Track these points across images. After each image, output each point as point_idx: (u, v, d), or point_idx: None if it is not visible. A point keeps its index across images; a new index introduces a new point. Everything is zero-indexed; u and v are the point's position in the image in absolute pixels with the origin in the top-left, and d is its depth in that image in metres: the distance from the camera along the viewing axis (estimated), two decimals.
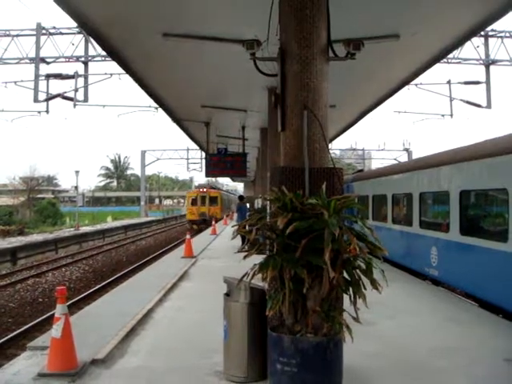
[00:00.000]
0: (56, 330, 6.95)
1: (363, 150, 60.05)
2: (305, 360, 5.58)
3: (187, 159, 57.96)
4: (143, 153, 63.10)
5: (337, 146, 76.69)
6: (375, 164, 59.96)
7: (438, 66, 20.08)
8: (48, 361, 7.02)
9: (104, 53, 15.59)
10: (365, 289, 5.90)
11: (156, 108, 21.84)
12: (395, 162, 50.88)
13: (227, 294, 6.88)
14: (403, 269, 16.51)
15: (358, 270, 5.80)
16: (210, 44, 10.41)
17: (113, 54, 13.06)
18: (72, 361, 7.05)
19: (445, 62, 21.70)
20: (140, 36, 11.11)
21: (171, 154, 63.11)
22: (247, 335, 6.60)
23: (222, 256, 19.35)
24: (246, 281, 6.17)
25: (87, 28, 11.10)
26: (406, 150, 48.72)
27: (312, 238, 5.45)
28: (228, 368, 6.78)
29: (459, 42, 11.78)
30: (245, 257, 5.89)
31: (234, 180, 62.72)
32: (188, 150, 56.92)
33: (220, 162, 21.32)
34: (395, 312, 10.55)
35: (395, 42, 11.06)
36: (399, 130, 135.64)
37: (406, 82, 15.39)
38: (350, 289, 5.85)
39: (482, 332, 9.07)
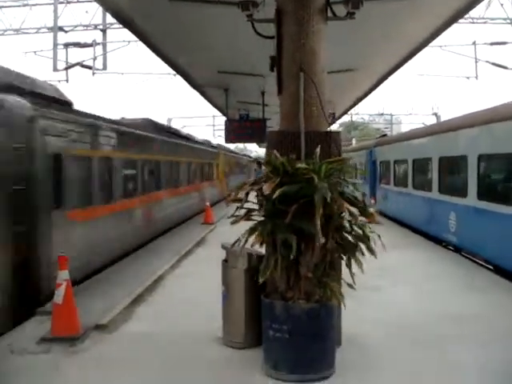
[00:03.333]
0: (57, 296, 7.04)
1: (391, 114, 58.85)
2: (296, 326, 5.53)
3: (213, 125, 57.71)
4: (169, 120, 63.08)
5: (366, 111, 75.69)
6: (404, 129, 58.89)
7: (462, 26, 19.49)
8: (51, 326, 7.13)
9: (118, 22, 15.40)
10: (363, 254, 5.81)
11: (174, 74, 21.56)
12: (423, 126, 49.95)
13: (225, 260, 6.86)
14: (425, 235, 16.30)
15: (352, 236, 5.69)
16: (218, 7, 10.16)
17: (125, 22, 12.96)
18: (74, 326, 7.15)
19: (470, 22, 21.00)
20: (146, 1, 10.93)
21: (197, 121, 62.86)
22: (244, 301, 6.59)
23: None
24: (246, 247, 6.13)
25: None
26: (435, 114, 47.65)
27: (303, 204, 5.34)
28: (226, 333, 6.79)
29: (474, 2, 11.30)
30: (232, 222, 5.81)
31: (260, 146, 62.38)
32: (214, 117, 56.53)
33: (240, 128, 21.17)
34: (408, 278, 10.43)
35: (408, 2, 10.67)
36: (427, 94, 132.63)
37: (425, 42, 14.89)
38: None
39: (496, 298, 8.90)
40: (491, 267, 11.79)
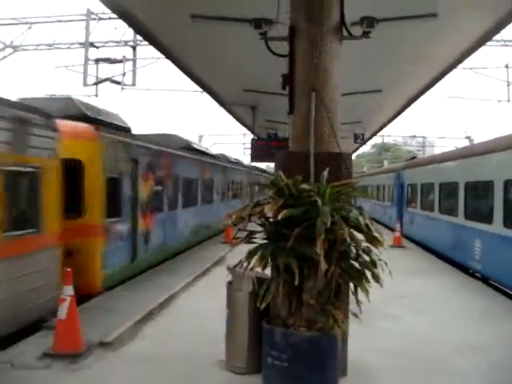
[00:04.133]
0: (61, 311, 6.95)
1: (423, 137, 58.21)
2: (296, 354, 5.32)
3: (243, 144, 57.82)
4: (200, 137, 63.44)
5: (398, 133, 75.09)
6: (437, 152, 58.14)
7: (494, 49, 19.19)
8: (53, 341, 7.03)
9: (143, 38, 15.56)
10: (368, 282, 5.58)
11: (201, 92, 21.63)
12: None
13: (231, 283, 6.68)
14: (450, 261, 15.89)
15: (358, 262, 5.47)
16: (235, 25, 10.12)
17: (149, 39, 13.05)
18: (77, 342, 7.03)
19: (502, 45, 20.60)
20: (169, 18, 10.97)
21: (228, 139, 63.11)
22: (248, 325, 6.39)
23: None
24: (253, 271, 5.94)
25: (118, 11, 11.07)
26: (468, 137, 46.86)
27: (306, 227, 5.15)
28: (229, 358, 6.59)
29: (501, 24, 11.04)
30: (232, 245, 5.64)
31: None
32: (244, 134, 56.57)
33: (266, 147, 21.06)
34: (425, 306, 10.06)
35: (435, 23, 10.47)
36: (459, 116, 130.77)
37: (454, 63, 14.67)
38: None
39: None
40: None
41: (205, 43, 12.64)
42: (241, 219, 5.61)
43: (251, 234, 5.67)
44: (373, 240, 5.37)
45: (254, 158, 21.09)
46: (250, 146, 22.02)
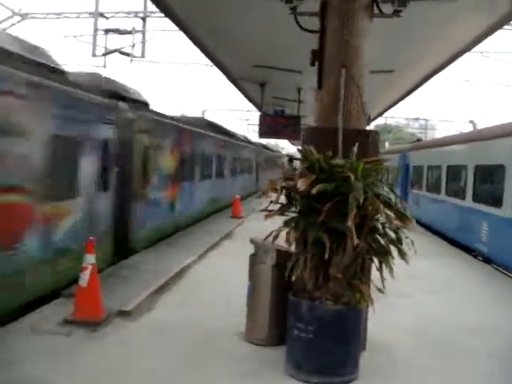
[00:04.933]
0: (82, 279, 7.03)
1: (426, 120, 58.15)
2: (322, 327, 5.40)
3: (246, 120, 57.67)
4: (203, 112, 63.19)
5: (400, 115, 74.85)
6: (438, 135, 58.07)
7: (505, 32, 19.06)
8: (74, 308, 7.11)
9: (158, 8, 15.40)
10: (393, 258, 5.64)
11: (211, 65, 21.49)
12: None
13: (254, 255, 6.75)
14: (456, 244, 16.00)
15: (385, 239, 5.53)
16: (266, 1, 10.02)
17: (165, 10, 12.93)
18: (97, 310, 7.12)
19: None
20: None
21: (231, 115, 63.19)
22: (270, 298, 6.48)
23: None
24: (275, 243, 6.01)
25: None
26: (471, 121, 46.79)
27: (337, 202, 5.20)
28: (249, 329, 6.68)
29: None
30: (266, 216, 5.69)
31: (292, 143, 62.03)
32: (248, 111, 56.38)
33: (274, 124, 21.01)
34: (436, 286, 10.18)
35: (456, 4, 10.39)
36: (464, 101, 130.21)
37: (470, 45, 14.53)
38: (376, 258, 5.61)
39: None
40: None
41: (220, 16, 12.54)
42: (274, 191, 5.67)
43: (283, 207, 5.71)
44: (402, 217, 5.42)
45: (261, 134, 21.04)
46: (256, 122, 22.03)
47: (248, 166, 34.50)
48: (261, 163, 42.14)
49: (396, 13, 6.73)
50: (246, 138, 37.61)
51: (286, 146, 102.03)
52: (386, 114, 44.89)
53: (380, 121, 54.75)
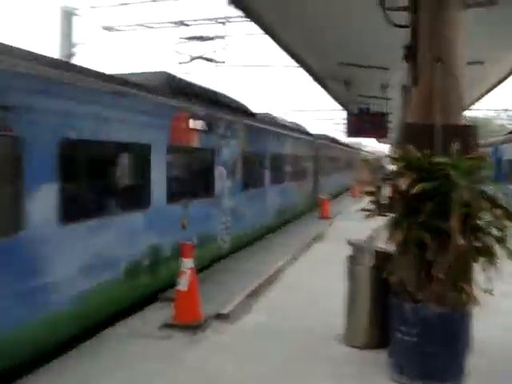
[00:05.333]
0: (182, 284, 7.17)
1: None
2: (426, 330, 5.24)
3: (331, 119, 57.31)
4: (285, 113, 63.33)
5: (489, 107, 71.94)
6: None
7: None
8: (174, 312, 7.27)
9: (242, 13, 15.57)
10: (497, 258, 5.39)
11: (297, 67, 21.50)
12: None
13: (352, 257, 6.65)
14: None
15: (489, 238, 5.28)
16: None
17: (249, 12, 13.03)
18: (196, 314, 7.26)
19: None
20: None
21: (315, 115, 63.13)
22: (369, 300, 6.37)
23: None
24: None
25: None
26: None
27: (439, 201, 5.03)
28: (348, 332, 6.59)
29: None
30: (367, 216, 5.59)
31: (379, 141, 60.91)
32: (333, 110, 55.86)
33: (359, 122, 20.75)
34: None
35: None
36: None
37: None
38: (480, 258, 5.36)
39: None
40: None
41: (306, 14, 12.49)
42: (370, 192, 5.57)
43: (382, 206, 5.58)
44: (510, 216, 5.16)
45: (349, 133, 20.86)
46: (341, 122, 21.85)
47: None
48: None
49: (491, 1, 6.43)
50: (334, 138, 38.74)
51: (369, 144, 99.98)
52: (472, 107, 43.32)
53: (467, 114, 52.83)
